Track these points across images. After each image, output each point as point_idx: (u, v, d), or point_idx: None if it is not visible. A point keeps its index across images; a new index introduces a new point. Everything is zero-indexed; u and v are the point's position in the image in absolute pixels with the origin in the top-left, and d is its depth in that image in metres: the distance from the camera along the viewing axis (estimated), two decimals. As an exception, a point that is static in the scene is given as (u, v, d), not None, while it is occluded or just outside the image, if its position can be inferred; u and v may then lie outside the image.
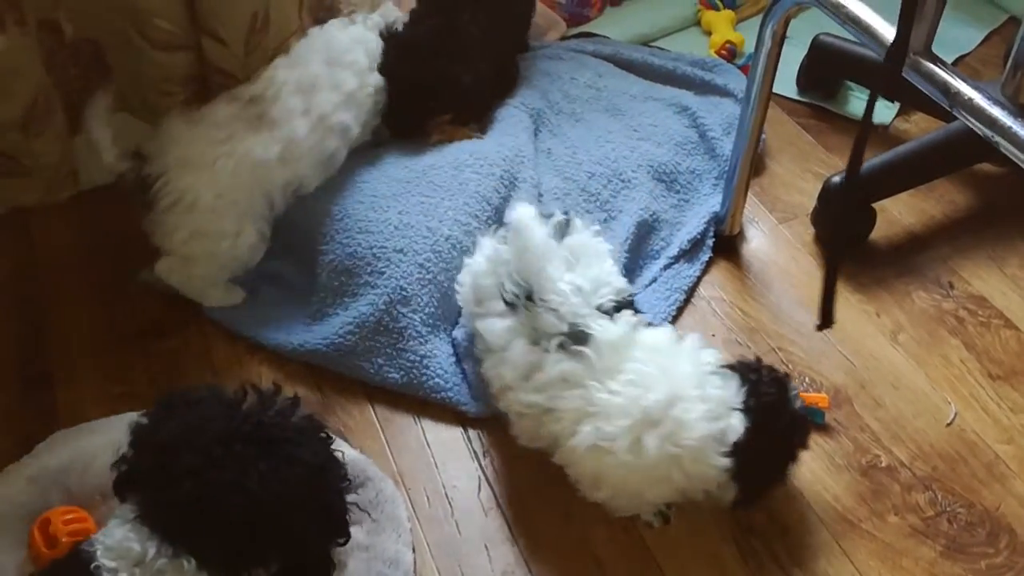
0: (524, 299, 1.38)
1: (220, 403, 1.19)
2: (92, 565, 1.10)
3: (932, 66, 1.29)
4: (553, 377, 1.34)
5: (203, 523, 1.11)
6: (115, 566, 1.10)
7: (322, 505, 1.19)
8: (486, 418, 1.57)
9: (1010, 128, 1.21)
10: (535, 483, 1.49)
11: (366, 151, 1.87)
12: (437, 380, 1.59)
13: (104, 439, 1.45)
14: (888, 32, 1.31)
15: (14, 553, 1.32)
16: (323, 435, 1.22)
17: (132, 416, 1.45)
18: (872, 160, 1.81)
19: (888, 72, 1.28)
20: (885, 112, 2.12)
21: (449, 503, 1.48)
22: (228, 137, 1.66)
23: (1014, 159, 1.22)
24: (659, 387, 1.29)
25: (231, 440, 1.13)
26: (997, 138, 1.23)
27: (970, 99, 1.24)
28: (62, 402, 1.61)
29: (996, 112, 1.23)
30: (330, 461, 1.21)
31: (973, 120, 1.24)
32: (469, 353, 1.61)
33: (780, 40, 1.57)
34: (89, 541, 1.15)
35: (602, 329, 1.34)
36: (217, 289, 1.73)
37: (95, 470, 1.41)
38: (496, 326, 1.42)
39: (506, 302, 1.41)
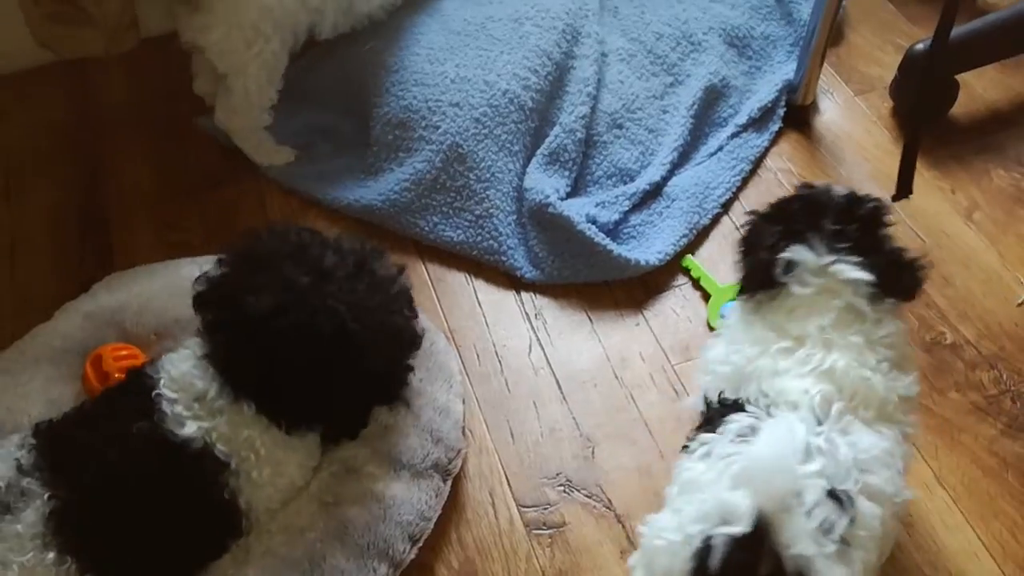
0: None
1: (304, 264, 1.17)
2: (153, 392, 1.12)
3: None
4: None
5: (272, 374, 1.12)
6: (176, 397, 1.12)
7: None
8: (540, 283, 1.55)
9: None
10: (587, 347, 1.48)
11: (425, 2, 1.81)
12: (491, 243, 1.57)
13: (161, 282, 1.47)
14: None
15: (71, 385, 1.35)
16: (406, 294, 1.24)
17: (187, 262, 1.48)
18: (959, 28, 1.69)
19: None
20: (976, -18, 1.99)
21: (499, 361, 1.47)
22: None
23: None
24: None
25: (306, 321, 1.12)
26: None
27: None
28: (118, 246, 1.63)
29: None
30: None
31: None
32: (531, 215, 1.57)
33: None
34: (155, 367, 1.16)
35: None
36: (265, 145, 1.70)
37: (151, 311, 1.43)
38: None
39: None
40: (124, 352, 1.35)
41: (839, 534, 0.91)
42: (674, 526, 0.97)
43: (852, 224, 1.11)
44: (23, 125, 1.83)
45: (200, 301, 1.17)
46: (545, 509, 1.31)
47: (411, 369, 1.28)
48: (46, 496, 1.07)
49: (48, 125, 1.83)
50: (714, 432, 1.01)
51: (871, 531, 0.95)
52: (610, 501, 1.31)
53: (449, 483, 1.29)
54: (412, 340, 1.26)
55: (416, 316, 1.27)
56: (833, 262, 1.08)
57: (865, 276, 1.07)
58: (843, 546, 0.92)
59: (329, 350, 1.13)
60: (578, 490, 1.33)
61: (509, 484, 1.34)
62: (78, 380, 1.35)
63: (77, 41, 1.67)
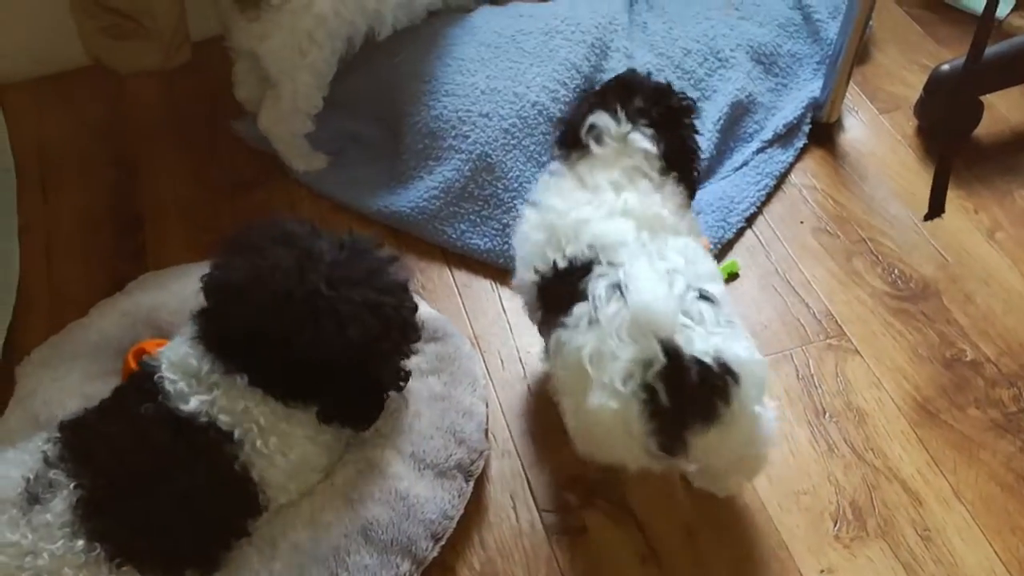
0: None
1: (293, 251, 1.19)
2: (155, 376, 1.17)
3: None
4: None
5: (251, 342, 1.16)
6: (175, 377, 1.17)
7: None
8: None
9: None
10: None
11: (457, 15, 1.84)
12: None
13: (195, 282, 1.46)
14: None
15: (107, 380, 1.37)
16: (397, 279, 1.24)
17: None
18: (986, 50, 1.71)
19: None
20: (1001, 6, 2.00)
21: (523, 367, 1.49)
22: None
23: None
24: None
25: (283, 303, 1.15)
26: None
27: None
28: (152, 245, 1.66)
29: None
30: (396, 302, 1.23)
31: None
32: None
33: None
34: (155, 356, 1.21)
35: None
36: (302, 150, 1.73)
37: (186, 310, 1.44)
38: None
39: None
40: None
41: (722, 318, 1.12)
42: (608, 396, 1.09)
43: (658, 107, 1.31)
44: (61, 125, 1.88)
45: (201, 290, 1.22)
46: (566, 514, 1.33)
47: (406, 355, 1.28)
48: (72, 486, 1.10)
49: (85, 126, 1.88)
50: (583, 302, 1.15)
51: (726, 300, 1.16)
52: (631, 507, 1.33)
53: (471, 484, 1.32)
54: (404, 323, 1.25)
55: (414, 307, 1.26)
56: (630, 131, 1.28)
57: (653, 148, 1.27)
58: (729, 324, 1.12)
59: (302, 315, 1.15)
60: (599, 496, 1.34)
61: (531, 488, 1.36)
62: (114, 376, 1.38)
63: (132, 55, 1.70)
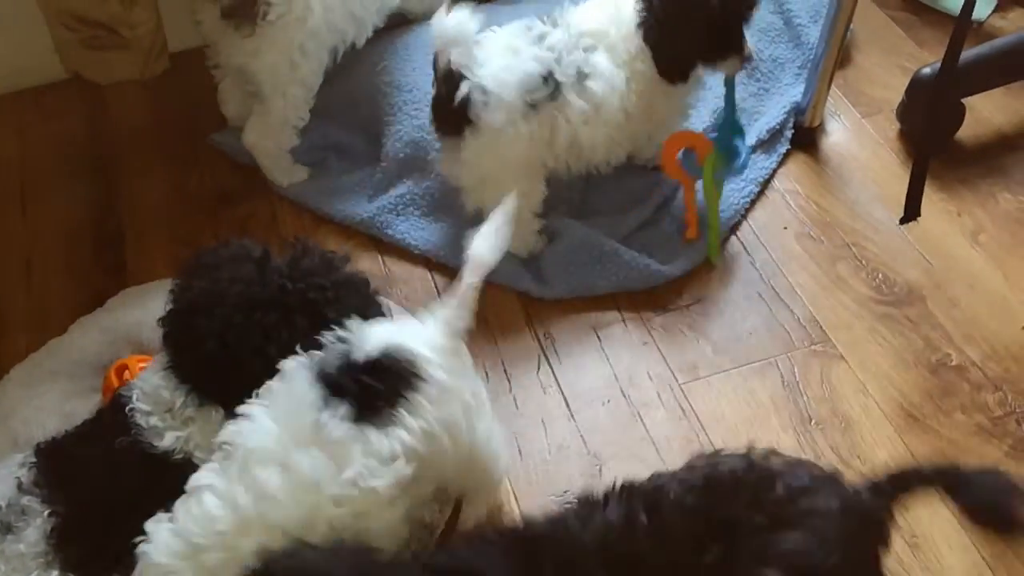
0: None
1: (248, 263, 1.16)
2: (128, 408, 1.14)
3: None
4: None
5: (227, 379, 1.12)
6: (149, 410, 1.14)
7: None
8: (549, 300, 1.57)
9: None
10: (595, 366, 1.49)
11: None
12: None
13: None
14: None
15: (87, 398, 1.36)
16: (362, 294, 1.20)
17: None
18: (966, 52, 1.70)
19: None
20: (982, 7, 2.00)
21: (508, 379, 1.49)
22: None
23: None
24: None
25: (253, 307, 1.12)
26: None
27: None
28: (132, 261, 1.65)
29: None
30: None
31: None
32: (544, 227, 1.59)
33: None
34: (128, 385, 1.18)
35: None
36: (285, 164, 1.72)
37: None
38: None
39: None
40: (149, 363, 1.37)
41: None
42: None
43: None
44: (40, 139, 1.86)
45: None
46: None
47: None
48: (46, 513, 1.08)
49: (65, 140, 1.86)
50: None
51: None
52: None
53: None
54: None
55: (381, 310, 1.22)
56: None
57: None
58: None
59: (270, 314, 1.11)
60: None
61: (517, 501, 1.35)
62: (94, 393, 1.37)
63: (112, 66, 1.70)
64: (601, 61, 1.48)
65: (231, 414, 1.11)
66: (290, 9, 1.54)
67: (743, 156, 1.59)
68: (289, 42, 1.57)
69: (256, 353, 1.11)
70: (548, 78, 1.44)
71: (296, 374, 1.07)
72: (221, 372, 1.12)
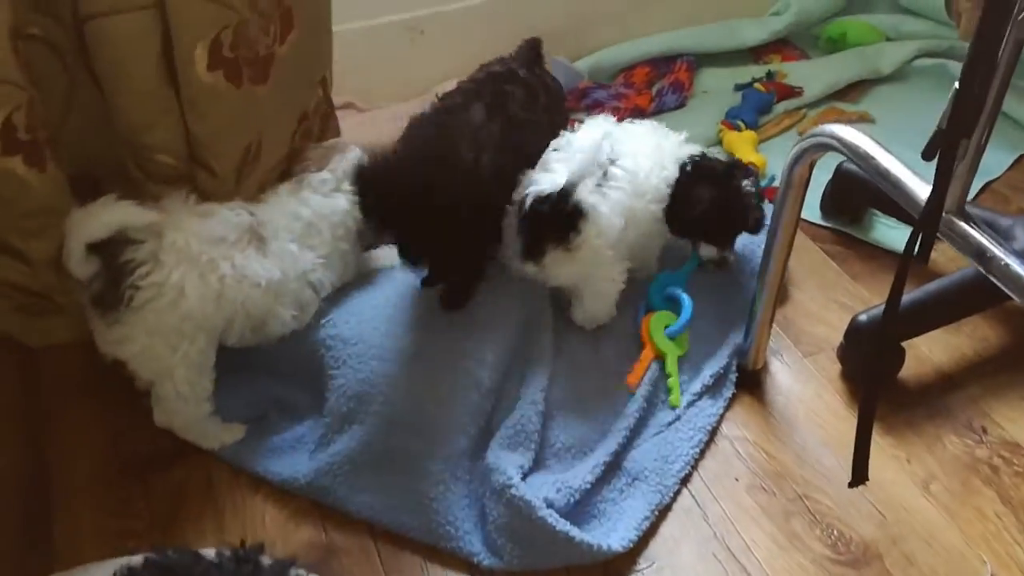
0: None
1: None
2: None
3: (967, 227, 1.25)
4: None
5: None
6: None
7: None
8: (499, 571, 1.51)
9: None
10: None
11: (381, 276, 1.84)
12: (447, 528, 1.53)
13: None
14: (921, 189, 1.27)
15: None
16: None
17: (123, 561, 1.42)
18: (905, 297, 1.74)
19: (923, 231, 1.23)
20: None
21: (456, 661, 1.41)
22: (235, 243, 1.59)
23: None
24: None
25: None
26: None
27: (1006, 265, 1.20)
28: (60, 537, 1.56)
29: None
30: None
31: (1010, 287, 1.19)
32: (492, 496, 1.53)
33: (805, 183, 1.53)
34: None
35: None
36: (213, 428, 1.67)
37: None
38: None
39: None
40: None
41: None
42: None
43: None
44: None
45: None
46: None
47: None
48: None
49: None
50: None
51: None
52: None
53: None
54: None
55: None
56: None
57: None
58: None
59: None
60: None
61: None
62: None
63: (44, 331, 1.67)
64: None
65: None
66: (160, 293, 1.50)
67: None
68: (160, 328, 1.52)
69: None
70: None
71: None
72: None
